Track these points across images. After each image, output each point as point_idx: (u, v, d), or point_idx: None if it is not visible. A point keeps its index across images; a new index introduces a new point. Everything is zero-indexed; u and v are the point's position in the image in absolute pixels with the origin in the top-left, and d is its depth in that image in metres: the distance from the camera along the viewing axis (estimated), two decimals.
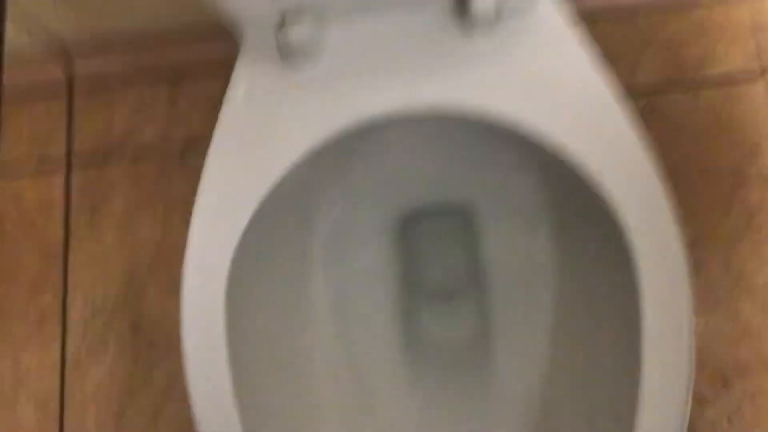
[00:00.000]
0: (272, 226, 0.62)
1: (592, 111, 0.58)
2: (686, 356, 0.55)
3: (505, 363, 0.71)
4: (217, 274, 0.58)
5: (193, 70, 1.08)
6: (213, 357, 0.56)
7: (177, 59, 1.07)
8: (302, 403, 0.65)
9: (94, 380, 1.01)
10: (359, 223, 0.73)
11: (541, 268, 0.72)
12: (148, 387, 1.00)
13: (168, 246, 1.03)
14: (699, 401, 0.90)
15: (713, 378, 0.90)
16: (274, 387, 0.62)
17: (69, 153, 1.08)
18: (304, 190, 0.65)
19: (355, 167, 0.68)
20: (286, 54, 0.60)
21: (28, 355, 1.02)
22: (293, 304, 0.67)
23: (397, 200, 0.75)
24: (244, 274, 0.59)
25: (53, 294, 1.04)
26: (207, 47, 1.05)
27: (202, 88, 1.08)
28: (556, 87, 0.58)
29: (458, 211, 0.78)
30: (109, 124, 1.08)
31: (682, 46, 0.99)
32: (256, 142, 0.60)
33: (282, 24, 0.58)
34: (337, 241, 0.71)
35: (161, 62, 1.08)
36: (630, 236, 0.57)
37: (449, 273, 0.79)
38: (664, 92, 0.98)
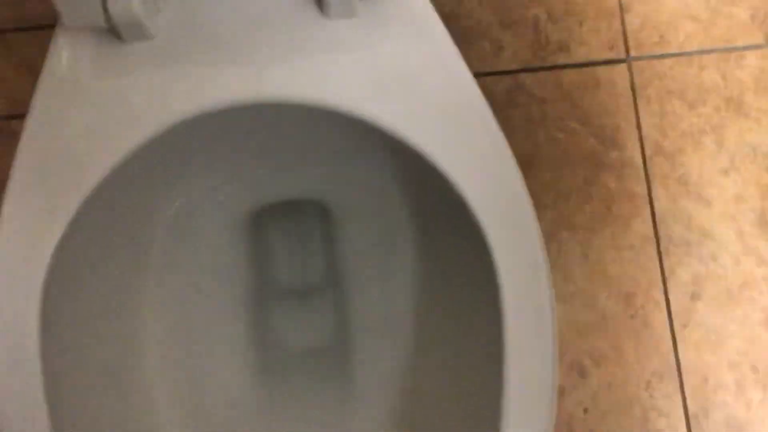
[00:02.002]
0: (95, 233, 0.54)
1: (453, 107, 0.53)
2: (550, 360, 0.52)
3: (364, 370, 0.66)
4: (30, 287, 0.50)
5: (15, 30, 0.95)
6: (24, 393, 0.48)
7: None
8: None
9: None
10: (201, 220, 0.66)
11: (400, 268, 0.68)
12: None
13: None
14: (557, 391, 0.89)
15: (571, 368, 0.89)
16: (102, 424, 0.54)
17: None
18: (132, 188, 0.57)
19: (193, 158, 0.61)
20: (114, 27, 0.51)
21: None
22: (122, 321, 0.59)
23: (244, 194, 0.68)
24: (62, 288, 0.51)
25: None
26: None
27: (26, 52, 0.96)
28: (414, 78, 0.53)
29: (314, 205, 0.72)
30: None
31: (548, 23, 0.96)
32: (73, 134, 0.52)
33: None
34: (175, 244, 0.64)
35: None
36: (487, 236, 0.53)
37: (304, 270, 0.73)
38: (530, 71, 0.95)
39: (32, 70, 0.95)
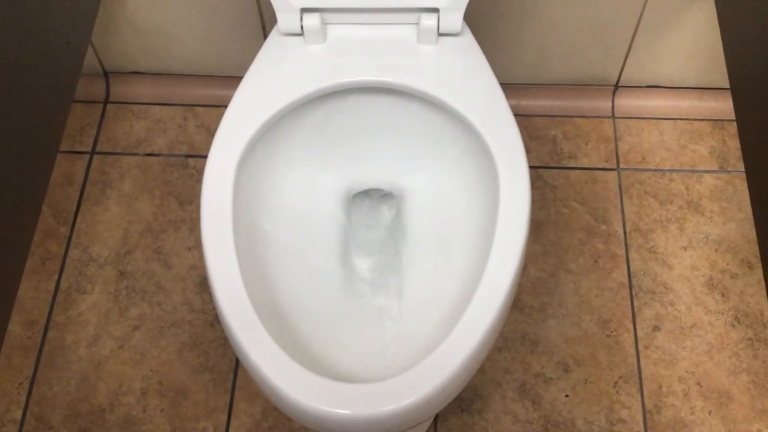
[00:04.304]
0: (284, 131, 0.96)
1: (485, 97, 0.94)
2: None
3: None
4: (233, 152, 0.90)
5: (202, 105, 1.43)
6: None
7: (192, 94, 1.43)
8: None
9: (77, 309, 1.25)
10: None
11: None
12: (120, 321, 1.24)
13: (160, 221, 1.32)
14: (546, 380, 1.19)
15: (558, 365, 1.20)
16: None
17: (95, 143, 1.39)
18: (299, 116, 0.99)
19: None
20: (304, 34, 0.96)
21: (26, 284, 1.26)
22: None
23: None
24: (253, 157, 0.92)
25: (59, 243, 1.30)
26: (213, 92, 1.42)
27: (206, 120, 1.42)
28: (465, 81, 0.95)
29: (385, 192, 1.10)
30: (131, 130, 1.41)
31: (563, 140, 1.38)
32: (278, 75, 0.95)
33: (302, 12, 0.95)
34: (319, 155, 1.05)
35: (179, 94, 1.43)
36: (495, 158, 0.90)
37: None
38: (547, 168, 1.36)
39: (209, 130, 1.41)
